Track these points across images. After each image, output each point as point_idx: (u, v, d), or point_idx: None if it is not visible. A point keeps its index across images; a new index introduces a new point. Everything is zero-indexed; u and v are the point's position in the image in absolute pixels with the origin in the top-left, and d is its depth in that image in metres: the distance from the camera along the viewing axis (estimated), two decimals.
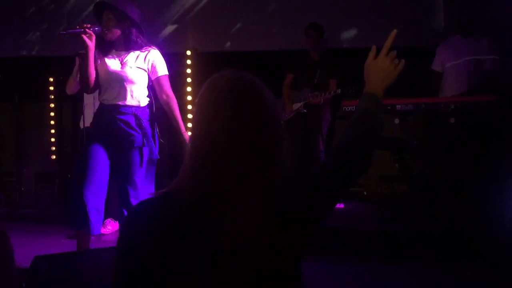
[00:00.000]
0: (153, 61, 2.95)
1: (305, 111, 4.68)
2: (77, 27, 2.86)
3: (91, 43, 2.82)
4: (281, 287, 1.07)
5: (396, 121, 3.68)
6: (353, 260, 3.25)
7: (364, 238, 3.45)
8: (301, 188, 1.13)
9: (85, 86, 2.96)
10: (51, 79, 5.63)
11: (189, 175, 1.09)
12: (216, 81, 1.14)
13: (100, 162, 2.93)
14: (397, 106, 3.62)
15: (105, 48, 2.95)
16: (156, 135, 3.05)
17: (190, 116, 5.26)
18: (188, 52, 5.37)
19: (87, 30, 2.80)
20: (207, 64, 5.15)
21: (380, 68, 1.31)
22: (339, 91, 4.42)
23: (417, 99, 3.67)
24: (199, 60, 5.38)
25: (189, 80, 5.35)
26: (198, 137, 1.10)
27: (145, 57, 2.94)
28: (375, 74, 1.31)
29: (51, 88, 5.65)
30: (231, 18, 5.57)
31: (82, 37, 2.79)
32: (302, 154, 4.65)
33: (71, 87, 3.77)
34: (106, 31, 2.87)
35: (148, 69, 2.96)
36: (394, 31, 1.34)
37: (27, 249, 3.43)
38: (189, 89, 5.33)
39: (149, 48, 2.96)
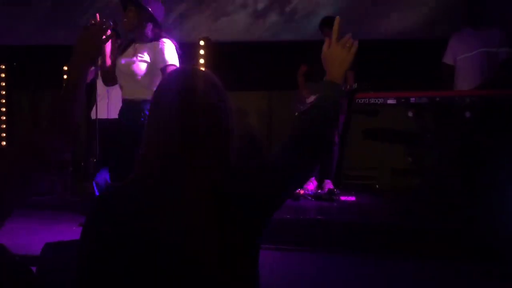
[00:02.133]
0: (161, 50, 2.94)
1: None
2: (92, 21, 2.86)
3: (105, 35, 2.83)
4: (228, 274, 1.07)
5: (410, 114, 3.65)
6: (363, 253, 3.24)
7: (375, 232, 3.43)
8: (253, 173, 1.16)
9: (110, 81, 3.08)
10: (66, 68, 5.66)
11: (140, 164, 1.17)
12: (166, 79, 1.25)
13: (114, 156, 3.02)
14: (411, 99, 3.58)
15: (123, 41, 3.03)
16: None
17: None
18: (201, 42, 5.36)
19: (104, 23, 2.81)
20: (221, 54, 5.14)
21: (334, 55, 1.37)
22: (355, 85, 4.35)
23: (431, 92, 3.62)
24: (213, 50, 5.36)
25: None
26: (149, 132, 1.18)
27: (152, 48, 2.95)
28: (331, 62, 1.37)
29: (65, 76, 5.68)
30: (244, 7, 5.54)
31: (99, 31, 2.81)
32: None
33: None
34: (124, 22, 2.93)
35: (156, 60, 2.94)
36: (337, 18, 1.39)
37: (38, 236, 3.49)
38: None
39: (162, 39, 2.97)
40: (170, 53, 2.96)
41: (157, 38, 2.97)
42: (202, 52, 5.34)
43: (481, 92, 3.58)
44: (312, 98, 4.69)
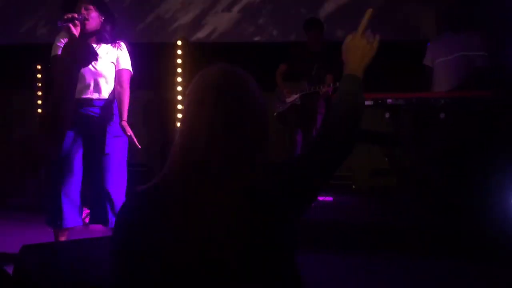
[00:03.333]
0: (119, 54, 3.00)
1: (299, 102, 4.67)
2: (65, 17, 2.81)
3: (77, 33, 2.78)
4: (265, 274, 1.06)
5: (387, 115, 3.69)
6: (342, 252, 3.27)
7: (353, 231, 3.46)
8: (285, 174, 1.15)
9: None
10: (39, 67, 5.56)
11: (176, 165, 1.12)
12: (204, 75, 1.17)
13: (75, 156, 2.95)
14: (388, 100, 3.63)
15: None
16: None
17: (180, 106, 5.23)
18: (179, 42, 5.33)
19: (75, 19, 2.76)
20: (198, 55, 5.12)
21: (357, 48, 1.31)
22: (337, 84, 4.38)
23: (407, 94, 3.68)
24: (190, 51, 5.34)
25: (179, 70, 5.31)
26: (186, 130, 1.13)
27: (115, 50, 2.98)
28: (353, 55, 1.31)
29: (39, 75, 5.58)
30: (223, 7, 5.53)
31: (70, 27, 2.75)
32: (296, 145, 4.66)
33: None
34: (86, 22, 2.84)
35: (120, 62, 3.01)
36: (370, 10, 1.34)
37: (14, 238, 3.41)
38: (179, 79, 5.29)
39: (119, 42, 3.01)
40: (127, 57, 3.05)
41: (115, 39, 3.00)
42: (179, 52, 5.32)
43: (455, 93, 3.65)
44: (292, 97, 4.70)
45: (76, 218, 2.97)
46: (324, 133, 1.24)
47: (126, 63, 3.04)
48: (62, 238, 2.98)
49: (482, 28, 3.85)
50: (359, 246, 3.34)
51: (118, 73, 3.01)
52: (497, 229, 3.22)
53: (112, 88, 3.01)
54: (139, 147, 2.92)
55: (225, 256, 1.03)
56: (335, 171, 1.25)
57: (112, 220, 2.90)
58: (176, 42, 5.33)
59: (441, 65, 3.85)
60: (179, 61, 5.31)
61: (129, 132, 2.90)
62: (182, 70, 5.31)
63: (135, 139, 2.91)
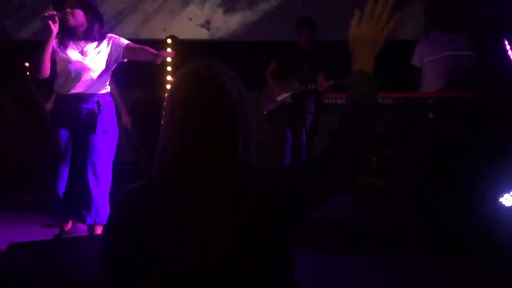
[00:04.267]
0: (113, 40, 3.00)
1: (290, 101, 4.66)
2: (46, 14, 2.82)
3: (55, 30, 2.82)
4: (253, 281, 1.05)
5: None
6: (331, 251, 3.27)
7: (342, 230, 3.48)
8: (291, 179, 1.10)
9: (38, 72, 2.92)
10: (27, 64, 5.50)
11: (159, 167, 1.11)
12: (183, 73, 1.13)
13: (65, 152, 2.96)
14: None
15: (64, 37, 2.96)
16: (115, 122, 3.07)
17: None
18: (169, 40, 5.30)
19: (55, 16, 2.80)
20: (188, 53, 5.10)
21: (365, 36, 1.16)
22: (331, 82, 4.37)
23: (396, 94, 3.70)
24: (180, 48, 5.32)
25: (169, 68, 5.28)
26: (165, 131, 1.11)
27: (106, 43, 2.98)
28: (360, 45, 1.16)
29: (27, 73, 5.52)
30: (213, 5, 5.52)
31: (49, 23, 2.78)
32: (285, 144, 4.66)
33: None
34: (70, 17, 2.87)
35: (110, 52, 2.99)
36: None
37: (3, 236, 3.38)
38: (169, 77, 5.27)
39: (107, 36, 3.02)
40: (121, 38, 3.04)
41: (102, 37, 3.00)
42: (169, 50, 5.29)
43: (444, 93, 3.68)
44: (283, 96, 4.70)
45: (68, 211, 2.97)
46: (338, 140, 1.13)
47: (123, 40, 3.03)
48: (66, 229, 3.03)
49: (469, 28, 3.88)
50: (348, 246, 3.34)
51: (128, 47, 2.99)
52: (486, 228, 3.25)
53: (101, 82, 3.00)
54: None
55: (213, 261, 1.02)
56: (347, 180, 1.15)
57: (87, 217, 2.87)
58: (166, 40, 5.30)
59: (429, 64, 3.88)
60: (168, 59, 5.28)
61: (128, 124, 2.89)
62: (171, 68, 5.28)
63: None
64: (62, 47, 2.96)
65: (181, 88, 1.10)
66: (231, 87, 1.10)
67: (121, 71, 3.25)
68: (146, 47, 2.99)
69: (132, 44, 3.03)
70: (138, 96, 5.69)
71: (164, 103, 1.15)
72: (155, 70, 5.27)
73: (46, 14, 2.79)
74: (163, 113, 1.14)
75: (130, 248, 1.04)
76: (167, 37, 5.32)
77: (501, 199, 3.54)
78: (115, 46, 3.00)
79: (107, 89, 3.05)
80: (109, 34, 3.04)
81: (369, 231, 3.45)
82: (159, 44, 5.26)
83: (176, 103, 1.09)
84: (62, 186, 2.93)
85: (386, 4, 1.16)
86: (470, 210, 3.37)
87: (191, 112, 1.07)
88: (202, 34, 5.54)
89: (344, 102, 3.72)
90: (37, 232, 3.58)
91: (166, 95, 1.17)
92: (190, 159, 1.06)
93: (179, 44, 5.33)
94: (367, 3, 1.17)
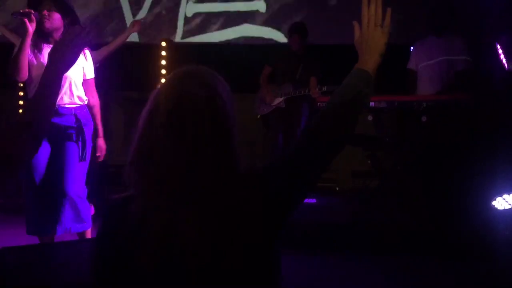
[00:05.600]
0: (85, 63, 2.95)
1: (283, 105, 4.67)
2: (21, 10, 2.68)
3: (31, 29, 2.66)
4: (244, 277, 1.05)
5: (370, 118, 3.72)
6: (325, 253, 3.28)
7: (337, 232, 3.48)
8: (270, 177, 1.11)
9: (17, 74, 2.79)
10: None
11: (137, 175, 1.10)
12: (170, 76, 1.14)
13: (42, 163, 2.87)
14: (371, 103, 3.65)
15: (39, 40, 2.84)
16: (90, 136, 3.00)
17: None
18: (163, 43, 5.31)
19: (31, 14, 2.64)
20: (182, 56, 5.10)
21: (367, 39, 1.24)
22: (324, 88, 4.37)
23: (390, 97, 3.71)
24: (174, 52, 5.32)
25: (163, 71, 5.29)
26: (141, 135, 1.10)
27: (81, 56, 2.89)
28: (364, 48, 1.23)
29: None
30: (207, 8, 5.52)
31: (25, 21, 2.62)
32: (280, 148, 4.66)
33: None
34: (46, 20, 2.76)
35: (87, 70, 2.97)
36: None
37: None
38: (163, 80, 5.26)
39: (84, 50, 2.92)
40: (92, 64, 3.02)
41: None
42: (163, 53, 5.30)
43: (437, 97, 3.70)
44: (277, 101, 4.70)
45: (48, 226, 2.82)
46: (315, 126, 1.16)
47: (91, 71, 3.00)
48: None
49: (463, 32, 3.91)
50: (342, 247, 3.35)
51: (87, 83, 2.98)
52: (478, 231, 3.26)
53: (78, 93, 2.94)
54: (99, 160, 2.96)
55: (195, 267, 1.02)
56: (323, 169, 1.17)
57: (57, 227, 2.76)
58: (160, 43, 5.31)
59: (425, 69, 3.90)
60: (163, 62, 5.28)
61: (102, 153, 2.92)
62: (166, 71, 5.29)
63: (101, 158, 2.96)
64: (36, 51, 2.82)
65: (166, 86, 1.12)
66: (219, 88, 1.11)
67: (115, 73, 3.25)
68: (98, 111, 3.02)
69: (92, 84, 3.00)
70: (132, 98, 5.68)
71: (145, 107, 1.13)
72: (150, 73, 5.27)
73: (21, 11, 2.63)
74: (141, 116, 1.12)
75: (115, 256, 1.06)
76: (161, 40, 5.33)
77: (493, 202, 3.56)
78: (90, 68, 2.98)
79: (84, 101, 2.98)
80: (85, 51, 2.95)
81: (363, 233, 3.46)
82: (154, 48, 5.27)
83: (145, 115, 1.10)
84: (40, 203, 2.83)
85: (377, 5, 1.24)
86: (463, 213, 3.38)
87: (173, 111, 1.06)
88: (196, 37, 5.54)
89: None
90: (30, 236, 3.55)
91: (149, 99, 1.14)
92: (168, 164, 1.05)
93: (173, 47, 5.34)
94: (363, 9, 1.25)
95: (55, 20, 2.80)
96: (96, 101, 3.01)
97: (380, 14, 1.24)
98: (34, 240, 2.98)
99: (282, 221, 1.11)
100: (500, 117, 3.62)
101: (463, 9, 4.15)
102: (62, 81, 2.78)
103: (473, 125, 3.65)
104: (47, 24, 2.78)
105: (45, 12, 2.74)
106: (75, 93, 2.91)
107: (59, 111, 2.85)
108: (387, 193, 3.86)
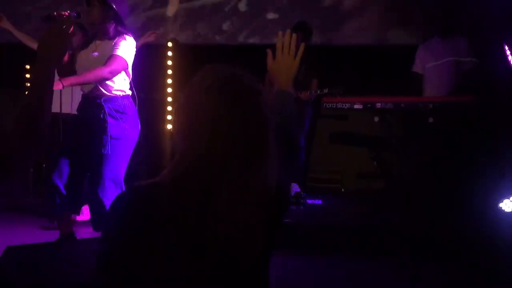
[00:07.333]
0: (116, 43, 2.93)
1: None
2: (55, 13, 2.75)
3: (69, 30, 2.75)
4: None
5: (376, 119, 3.71)
6: (331, 254, 3.27)
7: (342, 233, 3.47)
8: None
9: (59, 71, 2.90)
10: (27, 66, 5.52)
11: (186, 166, 1.06)
12: (213, 75, 1.13)
13: (72, 152, 2.95)
14: (377, 104, 3.65)
15: (84, 35, 3.02)
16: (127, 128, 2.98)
17: (170, 108, 5.21)
18: (169, 44, 5.31)
19: (64, 17, 2.71)
20: (189, 57, 5.11)
21: (280, 66, 1.42)
22: (326, 90, 4.36)
23: (396, 98, 3.70)
24: (180, 52, 5.33)
25: (169, 72, 5.29)
26: (191, 134, 1.08)
27: (113, 43, 2.92)
28: (278, 74, 1.42)
29: (27, 75, 5.53)
30: (214, 9, 5.53)
31: (62, 25, 2.72)
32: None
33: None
34: (87, 19, 2.89)
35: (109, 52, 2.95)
36: (289, 31, 1.44)
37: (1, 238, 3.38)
38: (169, 81, 5.27)
39: (124, 35, 2.95)
40: (125, 47, 2.93)
41: (119, 35, 2.95)
42: (170, 53, 5.30)
43: (444, 98, 3.68)
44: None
45: (65, 206, 2.95)
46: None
47: (123, 51, 2.92)
48: (63, 228, 2.98)
49: (469, 33, 3.88)
50: (348, 250, 3.34)
51: (110, 59, 2.88)
52: (486, 233, 3.24)
53: (115, 85, 2.95)
54: None
55: (240, 263, 1.04)
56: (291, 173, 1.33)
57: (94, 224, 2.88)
58: (167, 44, 5.32)
59: (432, 70, 3.87)
60: (169, 62, 5.29)
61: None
62: (172, 72, 5.29)
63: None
64: (84, 44, 3.00)
65: (208, 104, 1.08)
66: (259, 102, 1.12)
67: None
68: (88, 74, 2.89)
69: (110, 59, 2.89)
70: (139, 98, 5.69)
71: (180, 107, 1.13)
72: (156, 74, 5.28)
73: (55, 14, 2.58)
74: (185, 115, 1.11)
75: (131, 249, 1.01)
76: (168, 41, 5.34)
77: (501, 205, 3.54)
78: (111, 47, 2.94)
79: (115, 92, 2.96)
80: (125, 36, 2.95)
81: (368, 234, 3.45)
82: (161, 48, 5.28)
83: (202, 119, 1.07)
84: (62, 183, 2.92)
85: (292, 37, 1.43)
86: (470, 215, 3.36)
87: (218, 131, 1.05)
88: (203, 38, 5.55)
89: (338, 106, 3.75)
90: (37, 234, 3.57)
91: (184, 98, 1.12)
92: (222, 164, 1.05)
93: (180, 48, 5.35)
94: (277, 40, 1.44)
95: (97, 14, 2.89)
96: (96, 69, 2.86)
97: (294, 46, 1.44)
98: (43, 238, 3.00)
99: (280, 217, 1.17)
100: (507, 118, 3.60)
101: (470, 10, 4.13)
102: (83, 70, 2.84)
103: (479, 126, 3.63)
104: (86, 20, 2.91)
105: (89, 10, 2.88)
106: (106, 85, 2.91)
107: (89, 101, 2.93)
108: (393, 194, 3.85)
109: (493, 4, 4.06)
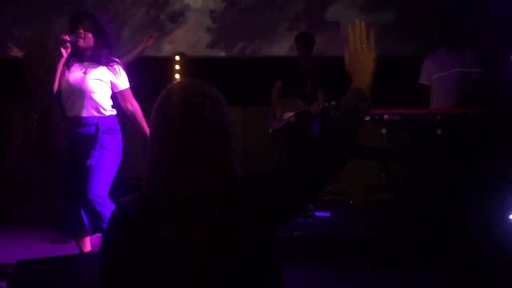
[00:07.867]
0: (116, 78, 3.08)
1: (294, 120, 4.68)
2: (59, 39, 2.90)
3: (65, 55, 2.90)
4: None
5: (383, 131, 3.71)
6: (340, 266, 3.26)
7: (351, 245, 3.46)
8: (270, 183, 1.17)
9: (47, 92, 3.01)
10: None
11: (149, 180, 1.17)
12: (162, 94, 1.23)
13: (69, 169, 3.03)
14: (385, 116, 3.65)
15: (70, 58, 3.02)
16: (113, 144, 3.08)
17: None
18: (177, 57, 5.36)
19: (67, 42, 2.87)
20: (196, 70, 5.14)
21: (355, 64, 1.32)
22: (333, 103, 4.37)
23: (404, 110, 3.69)
24: (188, 66, 5.37)
25: None
26: (153, 143, 1.18)
27: (108, 70, 3.05)
28: (353, 71, 1.31)
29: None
30: (220, 23, 5.57)
31: (60, 49, 2.87)
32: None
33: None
34: (81, 39, 2.96)
35: (110, 82, 3.07)
36: (358, 22, 1.33)
37: (10, 251, 3.39)
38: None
39: (114, 65, 3.07)
40: (124, 76, 3.12)
41: (109, 61, 3.06)
42: (177, 67, 5.35)
43: (452, 110, 3.67)
44: (288, 115, 4.70)
45: (76, 227, 3.01)
46: (318, 144, 1.24)
47: (124, 82, 3.11)
48: (84, 247, 3.03)
49: (475, 45, 3.89)
50: (357, 261, 3.33)
51: (121, 95, 3.10)
52: (495, 245, 3.22)
53: (103, 105, 3.05)
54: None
55: (191, 274, 1.06)
56: (325, 184, 1.24)
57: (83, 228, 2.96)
58: (174, 57, 5.36)
59: (438, 81, 3.87)
60: (176, 76, 5.33)
61: None
62: None
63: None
64: (66, 67, 3.03)
65: (158, 109, 1.20)
66: (208, 108, 1.17)
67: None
68: (139, 115, 3.13)
69: (127, 94, 3.11)
70: (146, 110, 5.72)
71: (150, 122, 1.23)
72: (163, 86, 5.32)
73: (59, 40, 2.87)
74: (151, 133, 1.22)
75: (121, 258, 1.10)
76: (175, 54, 5.38)
77: (511, 216, 3.51)
78: (120, 81, 3.09)
79: (108, 111, 3.09)
80: (115, 66, 3.08)
81: (377, 246, 3.43)
82: (167, 62, 5.33)
83: (154, 124, 1.19)
84: (73, 206, 2.99)
85: (361, 29, 1.33)
86: (479, 227, 3.34)
87: (167, 133, 1.16)
88: (209, 51, 5.58)
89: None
90: (47, 248, 3.58)
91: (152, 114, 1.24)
92: (166, 180, 1.14)
93: (187, 61, 5.39)
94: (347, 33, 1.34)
95: (89, 39, 2.99)
96: (135, 109, 3.12)
97: (364, 36, 1.33)
98: (54, 252, 3.02)
99: (275, 224, 1.16)
100: None
101: (476, 22, 4.13)
102: (79, 95, 2.91)
103: (487, 137, 3.62)
104: (81, 43, 2.97)
105: (81, 31, 2.94)
106: (94, 105, 3.01)
107: (81, 122, 3.00)
108: (401, 206, 3.83)
109: (498, 14, 4.07)
